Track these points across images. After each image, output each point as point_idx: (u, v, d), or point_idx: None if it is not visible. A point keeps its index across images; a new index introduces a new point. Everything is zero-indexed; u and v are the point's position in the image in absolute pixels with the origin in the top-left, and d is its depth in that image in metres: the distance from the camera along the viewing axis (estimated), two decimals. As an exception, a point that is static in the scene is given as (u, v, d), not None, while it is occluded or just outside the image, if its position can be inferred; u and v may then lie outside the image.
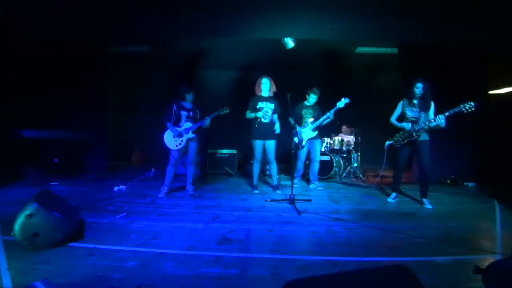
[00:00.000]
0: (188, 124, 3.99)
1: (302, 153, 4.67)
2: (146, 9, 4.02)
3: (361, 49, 6.06)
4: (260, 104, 4.16)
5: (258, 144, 4.19)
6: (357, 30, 4.62)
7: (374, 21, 4.26)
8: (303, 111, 4.66)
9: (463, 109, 3.18)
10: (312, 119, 4.60)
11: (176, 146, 3.94)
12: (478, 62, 5.38)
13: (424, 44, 5.16)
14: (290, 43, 5.40)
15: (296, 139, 4.44)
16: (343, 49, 6.16)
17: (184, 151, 4.06)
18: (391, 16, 4.09)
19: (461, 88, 4.75)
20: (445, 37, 4.68)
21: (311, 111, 4.64)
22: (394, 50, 5.83)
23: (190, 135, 3.97)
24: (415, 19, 4.19)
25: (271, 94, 4.24)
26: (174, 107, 3.98)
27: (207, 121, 3.96)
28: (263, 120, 4.15)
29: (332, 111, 4.35)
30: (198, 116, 4.07)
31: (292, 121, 4.37)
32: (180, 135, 3.95)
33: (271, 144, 4.22)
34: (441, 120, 3.32)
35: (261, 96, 4.22)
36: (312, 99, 4.63)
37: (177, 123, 4.00)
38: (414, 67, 5.29)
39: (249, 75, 7.02)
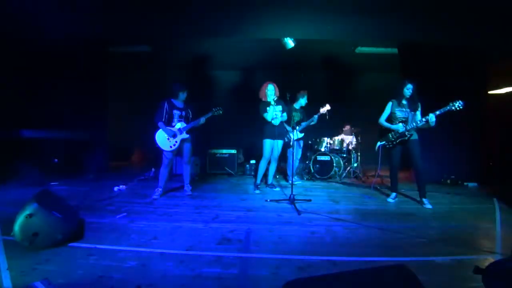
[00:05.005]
0: (182, 124, 3.87)
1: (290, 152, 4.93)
2: (146, 9, 4.02)
3: (361, 49, 6.06)
4: (268, 110, 4.29)
5: (268, 143, 4.37)
6: (357, 30, 4.63)
7: (374, 21, 4.27)
8: (293, 113, 4.80)
9: (452, 108, 3.24)
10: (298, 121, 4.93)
11: (170, 147, 3.81)
12: (478, 62, 5.37)
13: (424, 44, 5.16)
14: (290, 43, 5.40)
15: (286, 139, 4.64)
16: (343, 49, 6.16)
17: (177, 152, 3.97)
18: (391, 16, 4.10)
19: (461, 88, 4.76)
20: (446, 37, 4.69)
21: (299, 114, 5.01)
22: (394, 50, 5.83)
23: (185, 135, 3.89)
24: (415, 19, 4.19)
25: (275, 98, 4.33)
26: (166, 106, 3.84)
27: (202, 121, 3.90)
28: (274, 122, 4.30)
29: (316, 116, 4.79)
30: (190, 116, 3.99)
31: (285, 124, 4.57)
32: (174, 135, 3.84)
33: (279, 144, 4.45)
34: (432, 118, 3.36)
35: (268, 102, 4.31)
36: (302, 102, 5.00)
37: (169, 122, 3.86)
38: (414, 67, 5.29)
39: (249, 75, 7.04)
